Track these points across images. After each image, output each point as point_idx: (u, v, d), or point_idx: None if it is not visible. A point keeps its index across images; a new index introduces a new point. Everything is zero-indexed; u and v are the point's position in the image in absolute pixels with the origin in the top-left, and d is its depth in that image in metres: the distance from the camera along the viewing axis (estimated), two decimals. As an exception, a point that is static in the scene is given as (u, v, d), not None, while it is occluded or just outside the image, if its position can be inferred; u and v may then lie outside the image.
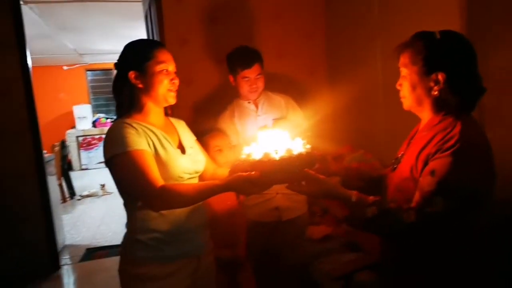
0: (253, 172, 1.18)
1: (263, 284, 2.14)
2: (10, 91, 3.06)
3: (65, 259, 3.64)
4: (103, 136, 1.52)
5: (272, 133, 1.30)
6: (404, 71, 1.17)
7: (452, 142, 1.03)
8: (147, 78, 1.39)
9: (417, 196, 1.06)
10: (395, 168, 1.23)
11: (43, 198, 3.25)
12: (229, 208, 1.99)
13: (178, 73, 1.44)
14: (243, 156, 1.26)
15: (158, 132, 1.42)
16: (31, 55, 3.15)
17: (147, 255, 1.38)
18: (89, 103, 8.52)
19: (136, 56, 1.41)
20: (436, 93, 1.11)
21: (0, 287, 3.06)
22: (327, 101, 2.56)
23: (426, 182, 1.04)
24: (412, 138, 1.24)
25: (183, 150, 1.48)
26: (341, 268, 1.87)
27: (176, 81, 1.44)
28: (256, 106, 2.14)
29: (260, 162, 1.18)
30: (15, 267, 3.12)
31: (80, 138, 7.96)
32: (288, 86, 2.49)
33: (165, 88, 1.41)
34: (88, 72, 8.56)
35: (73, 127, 8.02)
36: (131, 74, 1.39)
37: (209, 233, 1.57)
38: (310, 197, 2.01)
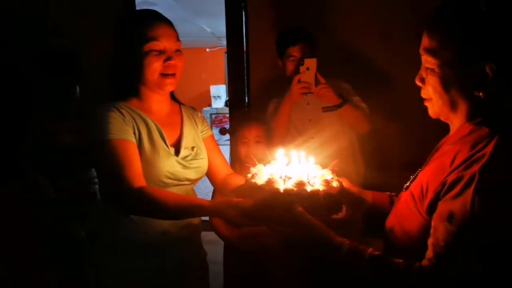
0: (244, 200, 0.92)
1: None
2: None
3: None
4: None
5: (297, 154, 1.03)
6: (428, 60, 0.81)
7: (476, 167, 0.70)
8: (135, 60, 1.14)
9: (430, 252, 0.73)
10: (407, 187, 0.91)
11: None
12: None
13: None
14: (249, 175, 1.01)
15: (151, 122, 1.19)
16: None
17: (113, 265, 1.17)
18: (225, 83, 8.38)
19: (123, 33, 1.17)
20: (481, 93, 0.75)
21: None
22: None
23: (442, 231, 0.71)
24: (437, 151, 0.89)
25: (178, 150, 1.22)
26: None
27: (174, 62, 1.14)
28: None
29: (260, 188, 0.92)
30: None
31: (214, 116, 8.45)
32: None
33: (155, 72, 1.14)
34: (226, 54, 7.95)
35: (209, 105, 8.60)
36: (123, 55, 1.16)
37: (198, 244, 1.35)
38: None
